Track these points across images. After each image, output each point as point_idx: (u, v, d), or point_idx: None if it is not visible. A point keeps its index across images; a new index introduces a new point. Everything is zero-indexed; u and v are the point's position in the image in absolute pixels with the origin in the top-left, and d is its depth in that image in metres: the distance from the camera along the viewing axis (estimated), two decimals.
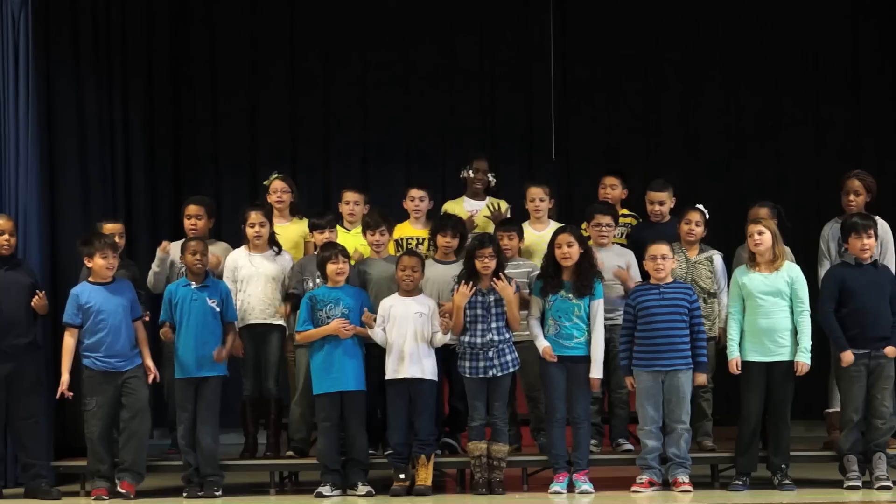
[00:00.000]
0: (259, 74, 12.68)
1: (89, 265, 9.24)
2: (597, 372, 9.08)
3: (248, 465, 9.63)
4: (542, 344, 9.07)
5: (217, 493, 9.18)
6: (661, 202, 9.90)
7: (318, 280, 9.44)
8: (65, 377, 9.10)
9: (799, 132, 12.53)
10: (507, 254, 9.40)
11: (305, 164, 12.46)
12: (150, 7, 12.06)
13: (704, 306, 9.35)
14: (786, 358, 9.08)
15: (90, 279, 9.26)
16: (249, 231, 9.64)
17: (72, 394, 9.10)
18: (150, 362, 9.29)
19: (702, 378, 9.13)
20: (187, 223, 9.91)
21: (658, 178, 10.18)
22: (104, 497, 9.09)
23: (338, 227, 9.81)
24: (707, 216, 9.61)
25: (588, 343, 9.07)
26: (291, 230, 10.05)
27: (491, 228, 9.90)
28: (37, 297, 9.33)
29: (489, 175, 10.29)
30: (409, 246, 9.88)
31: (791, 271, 9.14)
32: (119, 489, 9.12)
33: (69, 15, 10.91)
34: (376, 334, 9.11)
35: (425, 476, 9.11)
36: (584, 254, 9.07)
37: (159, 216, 11.55)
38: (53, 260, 10.38)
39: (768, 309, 9.07)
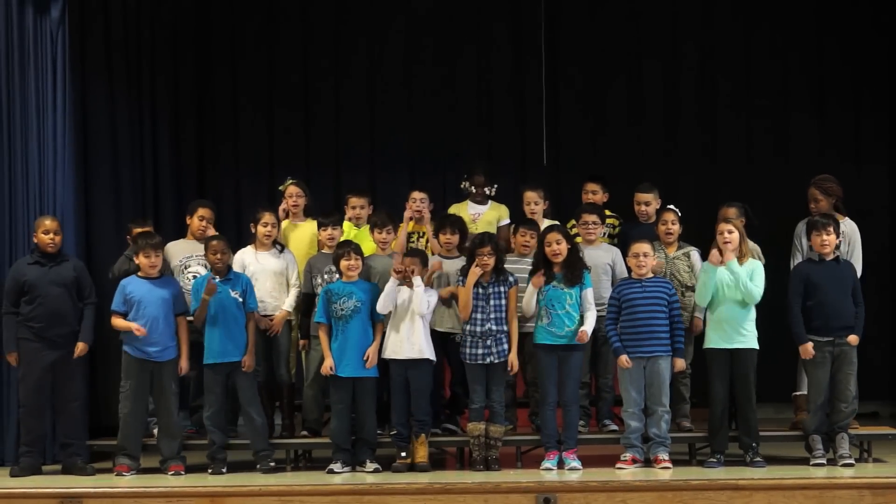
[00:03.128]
0: (275, 89, 13.07)
1: (137, 262, 9.74)
2: (588, 327, 9.47)
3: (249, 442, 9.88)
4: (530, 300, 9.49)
5: (271, 465, 9.59)
6: (647, 203, 10.28)
7: (326, 276, 9.85)
8: (132, 325, 9.58)
9: (769, 137, 12.94)
10: (526, 250, 9.86)
11: (317, 169, 12.81)
12: (177, 25, 12.38)
13: (682, 299, 9.77)
14: (747, 345, 9.50)
15: (139, 273, 9.75)
16: (262, 230, 10.08)
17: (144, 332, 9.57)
18: (184, 362, 9.77)
19: (680, 363, 9.55)
20: (199, 224, 10.36)
21: (642, 181, 10.51)
22: (124, 473, 9.58)
23: (347, 223, 10.29)
24: (680, 214, 10.00)
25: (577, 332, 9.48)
26: (305, 230, 10.49)
27: (493, 229, 10.33)
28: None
29: (486, 188, 10.59)
30: (411, 241, 10.30)
31: (751, 265, 9.54)
32: (169, 473, 9.57)
33: (102, 30, 11.31)
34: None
35: (424, 454, 9.51)
36: (572, 249, 9.53)
37: (184, 216, 11.31)
38: (88, 256, 10.75)
39: (732, 300, 9.50)
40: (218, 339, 9.75)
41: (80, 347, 9.85)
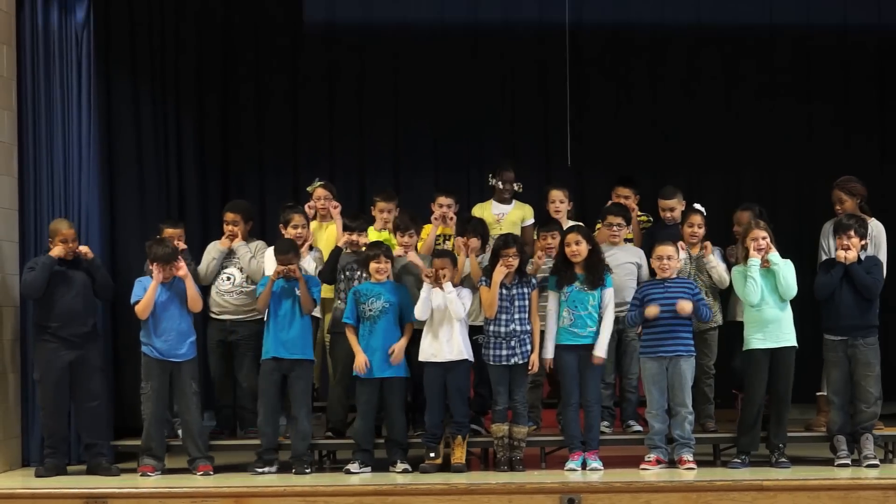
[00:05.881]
0: (300, 88, 13.04)
1: (152, 268, 9.77)
2: (601, 351, 9.49)
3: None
4: (547, 355, 9.57)
5: (307, 471, 9.56)
6: (672, 208, 10.31)
7: (348, 273, 9.87)
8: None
9: (795, 138, 12.90)
10: (549, 252, 9.85)
11: (341, 168, 12.84)
12: (201, 26, 12.37)
13: (706, 299, 9.74)
14: (788, 344, 9.53)
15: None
16: (292, 231, 10.09)
17: None
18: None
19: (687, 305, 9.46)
20: (226, 228, 10.38)
21: (666, 184, 10.57)
22: (149, 474, 9.64)
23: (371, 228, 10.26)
24: (706, 214, 10.02)
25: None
26: (332, 231, 10.46)
27: (517, 229, 10.32)
28: None
29: (514, 185, 10.55)
30: (437, 243, 10.29)
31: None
32: (198, 473, 9.61)
33: (127, 31, 11.29)
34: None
35: (461, 455, 9.54)
36: (592, 250, 9.55)
37: (209, 216, 11.88)
38: (112, 257, 10.80)
39: (771, 301, 9.51)
40: (276, 334, 9.82)
41: (85, 249, 9.93)
